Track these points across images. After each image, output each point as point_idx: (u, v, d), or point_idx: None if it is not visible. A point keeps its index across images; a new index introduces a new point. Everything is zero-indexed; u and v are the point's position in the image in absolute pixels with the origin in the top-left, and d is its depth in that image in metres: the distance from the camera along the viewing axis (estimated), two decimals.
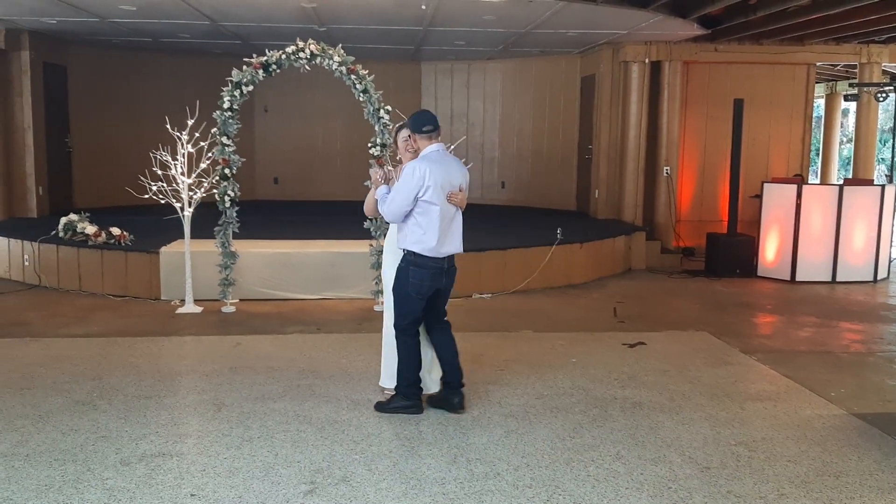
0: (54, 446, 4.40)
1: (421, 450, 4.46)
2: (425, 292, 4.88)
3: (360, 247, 8.20)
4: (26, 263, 9.09)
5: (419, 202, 4.77)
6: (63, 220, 9.04)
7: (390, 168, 5.20)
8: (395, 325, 4.98)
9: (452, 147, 8.72)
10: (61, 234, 8.95)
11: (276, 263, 8.37)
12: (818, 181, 16.48)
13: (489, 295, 8.77)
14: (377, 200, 5.00)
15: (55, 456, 4.27)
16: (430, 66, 14.40)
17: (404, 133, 5.07)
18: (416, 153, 4.98)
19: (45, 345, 6.55)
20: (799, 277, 10.08)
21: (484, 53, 13.09)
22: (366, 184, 5.09)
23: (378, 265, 7.95)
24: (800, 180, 10.77)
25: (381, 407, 5.08)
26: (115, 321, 7.49)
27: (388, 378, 5.23)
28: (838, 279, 10.03)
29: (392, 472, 4.14)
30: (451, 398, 5.05)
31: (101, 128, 12.47)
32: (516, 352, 6.52)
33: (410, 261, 4.85)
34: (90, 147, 12.35)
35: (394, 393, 5.09)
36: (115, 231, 8.73)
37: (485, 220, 11.76)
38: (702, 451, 4.48)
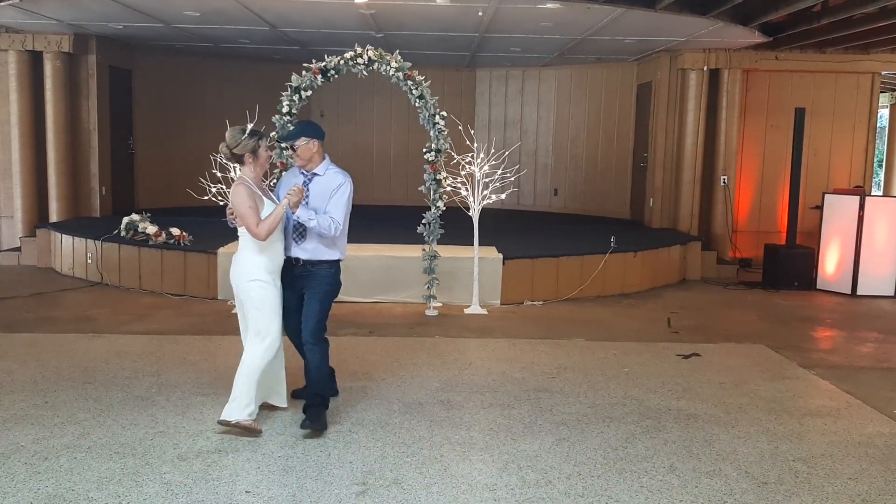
0: (114, 440, 4.52)
1: (472, 455, 4.46)
2: None
3: (414, 251, 8.24)
4: (89, 261, 9.35)
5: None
6: (125, 219, 9.28)
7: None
8: (318, 335, 4.81)
9: (507, 154, 8.78)
10: (123, 234, 9.19)
11: None
12: (881, 193, 16.05)
13: (541, 302, 8.73)
14: (303, 220, 4.66)
15: (115, 449, 4.38)
16: (484, 72, 14.41)
17: (266, 143, 4.76)
18: (307, 161, 4.83)
19: (108, 341, 6.73)
20: (860, 291, 9.82)
21: (539, 60, 13.05)
22: (286, 197, 4.61)
23: (430, 269, 7.98)
24: (861, 191, 10.50)
25: (310, 423, 4.67)
26: (174, 319, 7.65)
27: (241, 409, 4.62)
28: None
29: (443, 477, 4.14)
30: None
31: (162, 130, 12.77)
32: (568, 360, 6.47)
33: (338, 269, 4.97)
34: (152, 149, 12.65)
35: (240, 421, 4.61)
36: (175, 231, 8.93)
37: (537, 228, 11.74)
38: (758, 465, 4.40)
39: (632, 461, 4.41)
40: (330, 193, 4.80)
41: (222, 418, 4.62)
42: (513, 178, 8.64)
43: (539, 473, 4.21)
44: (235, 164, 4.84)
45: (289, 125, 7.65)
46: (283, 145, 7.60)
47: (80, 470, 4.10)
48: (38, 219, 10.86)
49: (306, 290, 4.85)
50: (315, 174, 4.88)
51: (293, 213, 4.67)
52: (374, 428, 4.82)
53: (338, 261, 4.94)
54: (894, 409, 5.44)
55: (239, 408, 4.61)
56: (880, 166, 17.38)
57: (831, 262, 10.10)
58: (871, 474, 4.33)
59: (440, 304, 8.21)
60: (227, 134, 4.67)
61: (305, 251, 4.82)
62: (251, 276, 4.67)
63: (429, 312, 8.05)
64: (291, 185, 4.80)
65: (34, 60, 10.73)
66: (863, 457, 4.57)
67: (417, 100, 7.70)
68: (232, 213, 4.70)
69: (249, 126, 4.73)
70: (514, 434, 4.78)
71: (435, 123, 7.72)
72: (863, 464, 4.47)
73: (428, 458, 4.38)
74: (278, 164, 7.64)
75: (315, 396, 4.80)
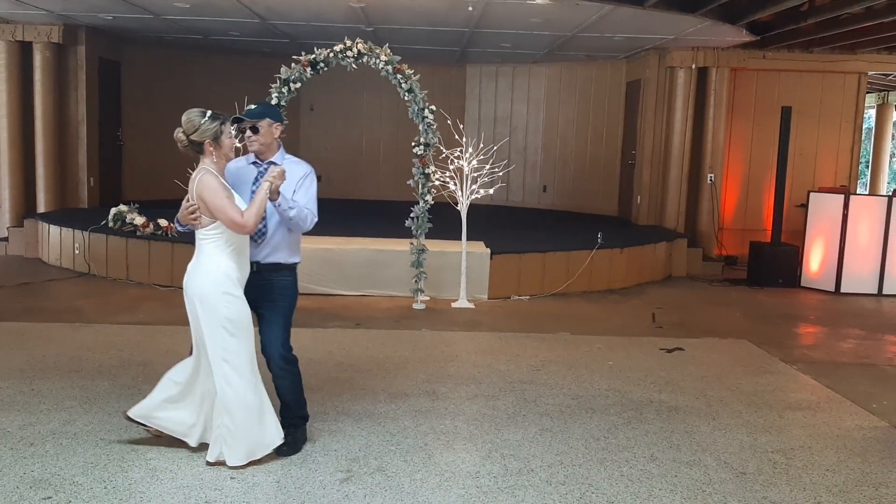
0: (101, 426, 4.54)
1: (456, 444, 4.51)
2: None
3: (401, 245, 8.27)
4: (76, 252, 9.34)
5: None
6: (113, 210, 9.28)
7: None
8: (287, 357, 4.29)
9: (495, 148, 8.82)
10: (111, 225, 9.18)
11: (318, 259, 8.48)
12: (867, 193, 16.19)
13: (528, 297, 8.78)
14: (283, 209, 4.11)
15: (101, 436, 4.40)
16: (474, 68, 14.44)
17: (229, 127, 4.09)
18: (266, 148, 4.27)
19: (95, 331, 6.74)
20: (844, 289, 9.92)
21: (529, 57, 13.10)
22: (267, 181, 4.00)
23: (418, 263, 8.02)
24: (846, 190, 10.60)
25: (288, 448, 4.25)
26: (161, 310, 7.66)
27: (245, 451, 4.04)
28: (885, 292, 9.85)
29: (427, 464, 4.19)
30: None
31: (151, 122, 12.71)
32: (553, 353, 6.53)
33: (296, 276, 4.39)
34: (140, 140, 12.61)
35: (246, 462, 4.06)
36: (163, 222, 8.94)
37: (525, 224, 11.79)
38: (738, 456, 4.46)
39: (613, 451, 4.46)
40: (294, 185, 4.24)
41: (233, 464, 4.02)
42: (501, 174, 8.68)
43: (521, 462, 4.26)
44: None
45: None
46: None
47: (66, 455, 4.12)
48: (25, 209, 10.83)
49: (265, 303, 4.24)
50: (272, 163, 4.28)
51: (274, 202, 4.06)
52: (359, 417, 4.86)
53: (296, 265, 4.40)
54: (873, 404, 5.52)
55: (240, 451, 4.03)
56: (867, 167, 17.52)
57: (815, 260, 10.20)
58: (848, 466, 4.40)
59: (427, 298, 8.25)
60: (183, 118, 4.02)
61: (264, 252, 4.24)
62: (221, 288, 3.97)
63: (416, 306, 8.09)
64: (242, 176, 4.23)
65: (23, 51, 10.70)
66: (841, 449, 4.65)
67: (407, 93, 7.74)
68: (193, 213, 4.00)
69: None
70: (498, 424, 4.83)
71: (424, 117, 7.76)
72: (840, 456, 4.54)
73: (412, 447, 4.42)
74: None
75: (295, 418, 4.41)
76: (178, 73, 13.01)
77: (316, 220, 4.30)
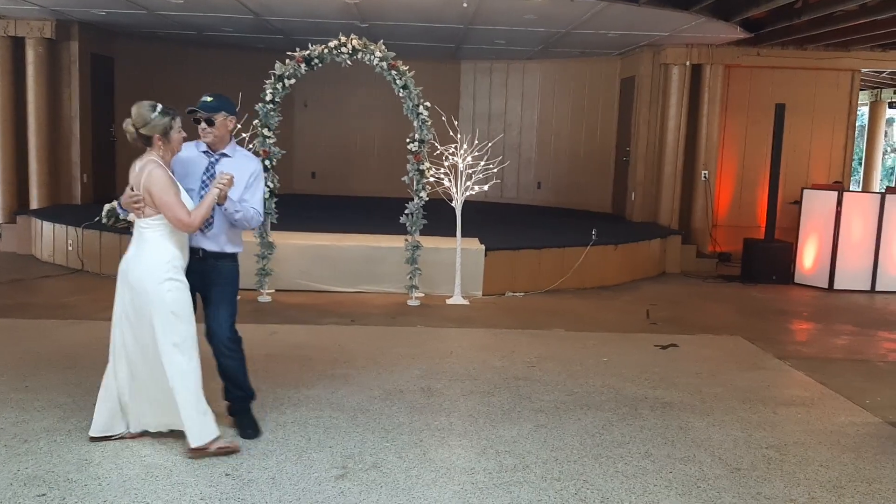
0: None
1: (451, 440, 4.51)
2: None
3: (396, 242, 8.27)
4: (70, 248, 9.32)
5: None
6: (106, 207, 9.14)
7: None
8: (234, 338, 4.43)
9: (490, 145, 8.82)
10: (104, 221, 9.05)
11: (313, 256, 8.48)
12: (860, 190, 16.24)
13: (522, 294, 8.78)
14: (230, 212, 4.23)
15: None
16: (469, 65, 14.43)
17: (179, 122, 4.14)
18: (219, 140, 4.34)
19: (88, 327, 6.71)
20: (837, 286, 9.96)
21: (524, 53, 13.11)
22: (217, 188, 4.10)
23: (413, 260, 8.02)
24: (840, 187, 10.64)
25: (253, 431, 4.42)
26: None
27: (203, 429, 4.09)
28: (878, 289, 9.89)
29: (422, 461, 4.19)
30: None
31: None
32: (548, 350, 6.54)
33: (238, 260, 4.52)
34: None
35: (213, 441, 4.14)
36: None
37: (520, 220, 11.80)
38: (732, 452, 4.48)
39: (608, 447, 4.47)
40: (246, 181, 4.33)
41: (196, 445, 4.05)
42: (496, 170, 8.68)
43: (517, 458, 4.27)
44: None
45: (271, 113, 7.63)
46: (266, 134, 7.60)
47: (60, 452, 4.11)
48: (18, 205, 10.79)
49: (212, 286, 4.35)
50: (224, 154, 4.36)
51: (222, 206, 4.19)
52: (354, 414, 4.86)
53: (238, 254, 4.52)
54: (866, 400, 5.55)
55: (203, 430, 4.08)
56: (860, 164, 17.57)
57: (809, 257, 10.22)
58: (841, 461, 4.42)
59: (422, 295, 8.25)
60: (133, 110, 4.03)
61: (211, 241, 4.32)
62: (164, 275, 4.03)
63: (411, 302, 8.09)
64: (193, 165, 4.31)
65: (16, 46, 10.64)
66: (834, 445, 4.67)
67: (401, 90, 7.73)
68: (137, 202, 4.04)
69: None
70: (493, 420, 4.84)
71: (419, 114, 7.76)
72: (834, 451, 4.56)
73: (407, 443, 4.42)
74: (260, 152, 7.65)
75: (243, 399, 4.53)
76: (172, 68, 12.95)
77: (261, 219, 4.49)
